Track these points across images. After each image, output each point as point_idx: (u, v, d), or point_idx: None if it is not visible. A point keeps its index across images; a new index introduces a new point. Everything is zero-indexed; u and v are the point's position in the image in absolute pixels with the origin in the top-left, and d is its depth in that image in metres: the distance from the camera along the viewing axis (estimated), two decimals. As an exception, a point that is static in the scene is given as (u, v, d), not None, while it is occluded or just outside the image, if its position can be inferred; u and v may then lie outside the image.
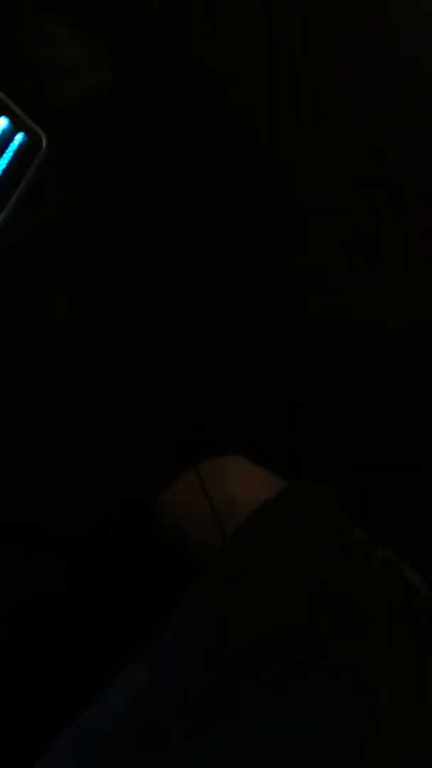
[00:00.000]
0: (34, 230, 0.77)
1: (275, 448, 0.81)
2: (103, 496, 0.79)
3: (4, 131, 0.76)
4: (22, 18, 0.75)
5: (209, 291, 0.86)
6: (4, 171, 0.76)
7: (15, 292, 0.77)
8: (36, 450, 0.76)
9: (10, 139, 0.77)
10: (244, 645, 0.55)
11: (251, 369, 0.86)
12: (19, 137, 0.77)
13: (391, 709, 0.51)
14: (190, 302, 0.86)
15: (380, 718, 0.51)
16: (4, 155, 0.77)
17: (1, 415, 0.74)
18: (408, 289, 0.87)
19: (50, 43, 0.77)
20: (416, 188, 0.87)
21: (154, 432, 0.81)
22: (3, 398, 0.74)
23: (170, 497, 0.79)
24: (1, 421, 0.74)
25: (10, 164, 0.77)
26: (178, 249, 0.86)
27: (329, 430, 0.86)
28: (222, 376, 0.85)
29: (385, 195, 0.87)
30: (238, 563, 0.63)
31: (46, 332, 0.78)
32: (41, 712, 0.64)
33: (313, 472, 0.72)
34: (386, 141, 0.86)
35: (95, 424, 0.79)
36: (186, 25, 0.82)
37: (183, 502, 0.79)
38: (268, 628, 0.56)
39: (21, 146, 0.77)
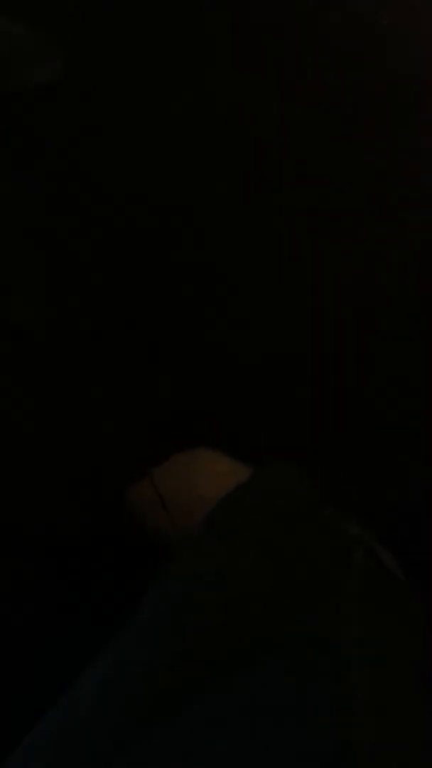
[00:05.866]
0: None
1: (255, 440, 0.82)
2: (76, 490, 0.79)
3: None
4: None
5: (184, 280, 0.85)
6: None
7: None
8: (5, 449, 0.76)
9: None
10: (211, 626, 0.54)
11: (228, 357, 0.85)
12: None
13: (363, 684, 0.51)
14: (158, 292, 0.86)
15: (353, 694, 0.50)
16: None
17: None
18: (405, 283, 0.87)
19: (3, 37, 0.76)
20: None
21: (129, 425, 0.82)
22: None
23: (132, 494, 0.81)
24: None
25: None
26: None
27: (309, 418, 0.86)
28: (196, 365, 0.85)
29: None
30: (212, 545, 0.62)
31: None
32: (25, 705, 0.63)
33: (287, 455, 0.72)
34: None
35: (66, 419, 0.79)
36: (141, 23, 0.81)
37: (137, 500, 0.80)
38: (237, 607, 0.56)
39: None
